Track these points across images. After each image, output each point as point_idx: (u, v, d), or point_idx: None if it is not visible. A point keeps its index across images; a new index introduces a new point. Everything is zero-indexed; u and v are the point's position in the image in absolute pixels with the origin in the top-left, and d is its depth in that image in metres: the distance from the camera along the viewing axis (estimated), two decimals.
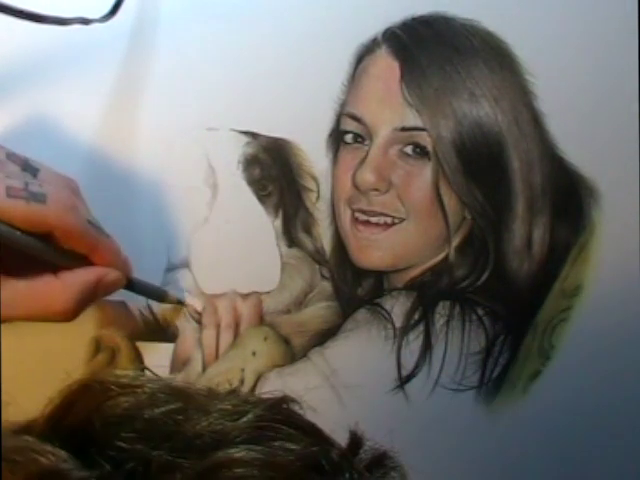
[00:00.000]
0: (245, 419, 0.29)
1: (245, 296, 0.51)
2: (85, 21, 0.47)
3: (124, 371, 0.33)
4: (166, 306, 0.51)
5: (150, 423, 0.29)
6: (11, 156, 0.42)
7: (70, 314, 0.42)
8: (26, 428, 0.29)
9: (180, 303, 0.50)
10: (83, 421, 0.29)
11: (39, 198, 0.40)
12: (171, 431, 0.28)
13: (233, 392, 0.34)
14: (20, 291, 0.41)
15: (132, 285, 0.47)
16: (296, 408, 0.33)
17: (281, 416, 0.31)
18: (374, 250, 0.51)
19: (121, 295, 0.47)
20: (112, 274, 0.44)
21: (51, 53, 0.51)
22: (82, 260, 0.43)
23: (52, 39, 0.50)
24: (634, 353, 0.51)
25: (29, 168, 0.43)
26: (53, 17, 0.45)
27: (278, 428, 0.30)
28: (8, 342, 0.48)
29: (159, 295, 0.49)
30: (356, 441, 0.34)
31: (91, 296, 0.43)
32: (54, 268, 0.42)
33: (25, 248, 0.41)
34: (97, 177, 0.51)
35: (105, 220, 0.48)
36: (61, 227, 0.41)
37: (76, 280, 0.42)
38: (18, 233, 0.40)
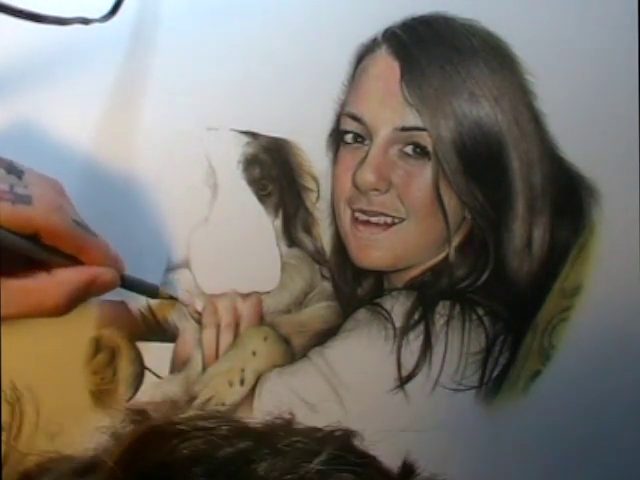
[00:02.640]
0: (318, 460, 0.29)
1: (245, 296, 0.51)
2: (85, 21, 0.47)
3: (195, 412, 0.33)
4: (169, 307, 0.51)
5: (223, 463, 0.28)
6: None
7: (62, 310, 0.43)
8: (91, 467, 0.29)
9: (172, 299, 0.50)
10: (156, 464, 0.28)
11: (24, 200, 0.41)
12: (245, 471, 0.28)
13: (288, 424, 0.34)
14: (13, 289, 0.41)
15: (124, 282, 0.47)
16: (356, 440, 0.33)
17: (351, 454, 0.31)
18: (374, 250, 0.51)
19: (120, 295, 0.47)
20: (108, 274, 0.45)
21: (51, 53, 0.51)
22: (71, 260, 0.43)
23: (52, 39, 0.50)
24: (634, 353, 0.51)
25: (14, 170, 0.43)
26: (53, 17, 0.45)
27: (350, 468, 0.30)
28: (8, 343, 0.48)
29: (151, 291, 0.49)
30: (408, 470, 0.34)
31: (85, 294, 0.44)
32: (48, 267, 0.43)
33: (15, 248, 0.41)
34: (97, 177, 0.51)
35: (105, 220, 0.48)
36: (47, 228, 0.41)
37: (69, 278, 0.43)
38: (6, 233, 0.40)
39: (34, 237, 0.41)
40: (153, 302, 0.50)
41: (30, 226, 0.41)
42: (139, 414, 0.33)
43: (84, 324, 0.49)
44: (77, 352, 0.50)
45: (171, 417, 0.31)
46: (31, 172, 0.44)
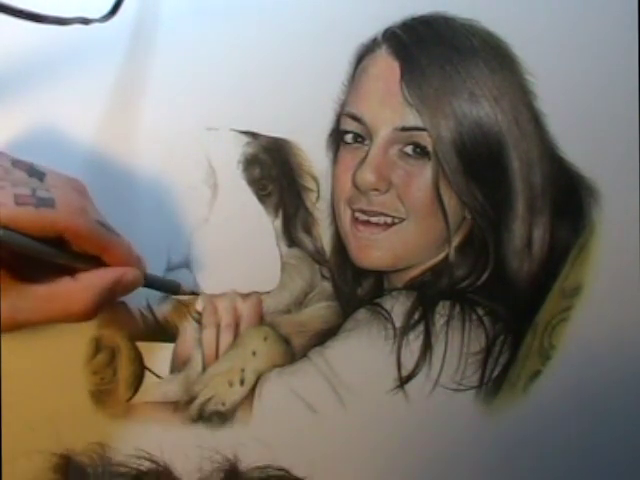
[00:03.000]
0: None
1: (245, 296, 0.51)
2: (85, 21, 0.47)
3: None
4: (169, 307, 0.51)
5: None
6: (16, 163, 0.43)
7: (90, 314, 0.43)
8: None
9: (194, 294, 0.50)
10: None
11: (48, 203, 0.41)
12: None
13: None
14: (40, 296, 0.41)
15: (146, 281, 0.47)
16: None
17: None
18: (374, 250, 0.51)
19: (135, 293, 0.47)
20: (131, 273, 0.45)
21: (51, 53, 0.51)
22: (95, 261, 0.44)
23: (52, 39, 0.50)
24: (634, 353, 0.51)
25: (35, 173, 0.43)
26: (53, 17, 0.45)
27: None
28: (8, 345, 0.48)
29: (173, 288, 0.49)
30: None
31: (110, 296, 0.44)
32: (71, 271, 0.43)
33: (39, 254, 0.41)
34: (97, 177, 0.51)
35: (105, 220, 0.48)
36: (71, 230, 0.41)
37: (94, 281, 0.43)
38: (31, 241, 0.40)
39: (58, 240, 0.41)
40: (161, 306, 0.50)
41: (54, 229, 0.41)
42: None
43: (84, 324, 0.49)
44: (77, 353, 0.50)
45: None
46: (52, 174, 0.44)
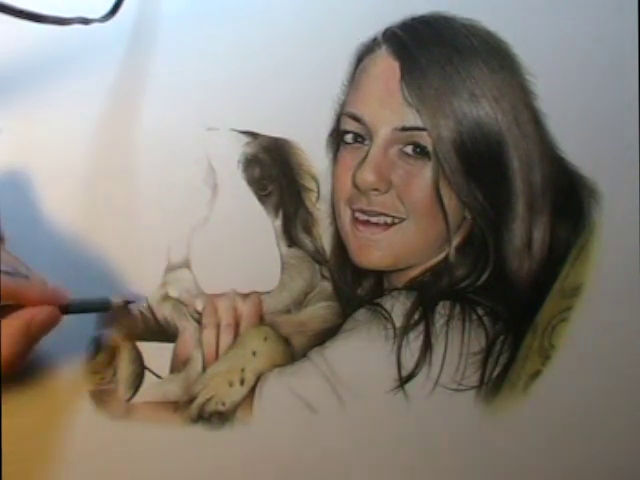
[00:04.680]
0: None
1: (245, 296, 0.51)
2: (85, 21, 0.47)
3: None
4: (169, 307, 0.51)
5: None
6: None
7: (14, 364, 0.43)
8: None
9: (127, 302, 0.50)
10: None
11: None
12: None
13: None
14: None
15: (70, 309, 0.46)
16: None
17: None
18: (374, 250, 0.51)
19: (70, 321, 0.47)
20: (42, 312, 0.44)
21: (51, 53, 0.51)
22: (13, 308, 0.44)
23: (52, 39, 0.50)
24: (634, 353, 0.51)
25: None
26: (53, 17, 0.45)
27: None
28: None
29: (103, 306, 0.49)
30: None
31: (28, 340, 0.44)
32: None
33: None
34: (97, 177, 0.51)
35: (105, 220, 0.48)
36: None
37: (7, 330, 0.43)
38: None
39: None
40: (167, 306, 0.50)
41: None
42: None
43: (84, 325, 0.50)
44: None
45: None
46: None
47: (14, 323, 0.43)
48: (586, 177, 0.52)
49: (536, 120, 0.51)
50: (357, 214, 0.51)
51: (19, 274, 0.45)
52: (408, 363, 0.51)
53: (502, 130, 0.50)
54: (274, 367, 0.51)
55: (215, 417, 0.50)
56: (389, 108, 0.51)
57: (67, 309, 0.46)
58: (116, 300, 0.49)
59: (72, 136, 0.51)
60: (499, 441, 0.50)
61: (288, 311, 0.51)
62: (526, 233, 0.51)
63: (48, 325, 0.45)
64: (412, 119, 0.50)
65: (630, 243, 0.51)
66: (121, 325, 0.50)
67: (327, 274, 0.52)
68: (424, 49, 0.51)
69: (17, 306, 0.44)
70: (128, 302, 0.50)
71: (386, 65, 0.51)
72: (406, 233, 0.51)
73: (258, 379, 0.50)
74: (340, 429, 0.50)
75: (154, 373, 0.50)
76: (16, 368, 0.43)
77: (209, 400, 0.50)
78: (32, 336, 0.44)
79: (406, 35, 0.51)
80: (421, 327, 0.51)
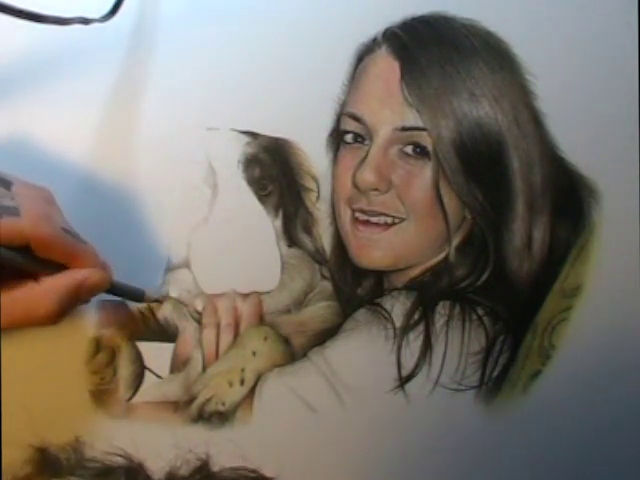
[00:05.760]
0: None
1: (245, 296, 0.51)
2: (85, 21, 0.47)
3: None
4: (169, 307, 0.51)
5: None
6: None
7: (54, 318, 0.42)
8: None
9: (158, 301, 0.50)
10: None
11: (12, 211, 0.41)
12: None
13: None
14: (2, 301, 0.41)
15: (112, 288, 0.47)
16: None
17: None
18: (374, 250, 0.51)
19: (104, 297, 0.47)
20: (95, 275, 0.44)
21: (51, 53, 0.51)
22: (62, 268, 0.43)
23: (52, 39, 0.50)
24: (634, 353, 0.51)
25: (1, 182, 0.43)
26: (53, 17, 0.45)
27: None
28: (7, 347, 0.48)
29: (137, 296, 0.49)
30: None
31: (74, 299, 0.43)
32: (38, 277, 0.43)
33: (5, 261, 0.41)
34: (97, 177, 0.51)
35: (105, 220, 0.48)
36: (37, 238, 0.41)
37: (57, 284, 0.43)
38: None
39: (24, 248, 0.41)
40: (167, 306, 0.50)
41: (19, 238, 0.41)
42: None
43: (84, 324, 0.50)
44: (77, 354, 0.50)
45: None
46: (19, 182, 0.44)
47: (69, 278, 0.43)
48: (586, 177, 0.52)
49: (536, 120, 0.51)
50: (357, 214, 0.51)
51: (79, 237, 0.44)
52: (408, 363, 0.51)
53: (502, 130, 0.50)
54: (274, 367, 0.51)
55: (215, 417, 0.50)
56: (389, 108, 0.51)
57: (110, 288, 0.46)
58: (149, 294, 0.49)
59: (72, 136, 0.51)
60: (499, 441, 0.50)
61: (288, 311, 0.51)
62: (526, 233, 0.51)
63: (97, 290, 0.45)
64: (412, 119, 0.50)
65: (630, 243, 0.51)
66: (121, 325, 0.50)
67: (327, 274, 0.52)
68: (424, 49, 0.51)
69: (61, 266, 0.43)
70: (157, 300, 0.50)
71: (386, 65, 0.51)
72: (406, 233, 0.51)
73: (258, 379, 0.50)
74: (340, 429, 0.50)
75: (154, 373, 0.50)
76: (54, 323, 0.43)
77: (209, 400, 0.50)
78: (79, 297, 0.44)
79: (406, 35, 0.51)
80: (421, 327, 0.51)
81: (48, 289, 0.42)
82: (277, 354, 0.51)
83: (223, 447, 0.49)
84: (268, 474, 0.49)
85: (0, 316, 0.41)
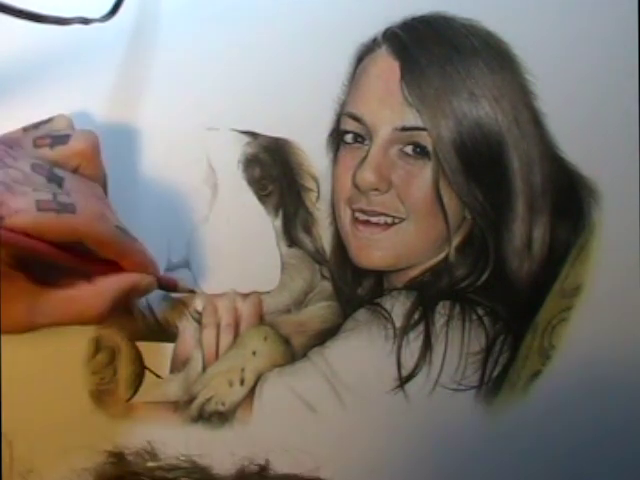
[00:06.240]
0: None
1: (245, 296, 0.51)
2: (85, 21, 0.47)
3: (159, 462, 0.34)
4: (168, 306, 0.51)
5: None
6: (36, 167, 0.43)
7: (104, 318, 0.43)
8: None
9: (192, 292, 0.50)
10: None
11: (69, 208, 0.41)
12: None
13: (263, 471, 0.34)
14: (57, 300, 0.42)
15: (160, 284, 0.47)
16: None
17: None
18: (374, 250, 0.51)
19: None
20: (146, 280, 0.45)
21: (51, 53, 0.51)
22: (113, 266, 0.44)
23: (52, 39, 0.50)
24: (634, 353, 0.51)
25: (54, 178, 0.43)
26: (53, 17, 0.45)
27: None
28: (8, 346, 0.48)
29: (170, 285, 0.49)
30: None
31: (125, 301, 0.44)
32: (89, 275, 0.43)
33: (59, 260, 0.41)
34: None
35: None
36: (91, 235, 0.42)
37: (110, 286, 0.43)
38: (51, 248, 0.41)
39: (78, 244, 0.42)
40: (160, 306, 0.50)
41: (75, 235, 0.41)
42: (115, 457, 0.33)
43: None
44: (77, 353, 0.50)
45: (134, 468, 0.31)
46: (71, 178, 0.44)
47: (123, 281, 0.44)
48: (586, 177, 0.51)
49: (536, 120, 0.51)
50: (357, 214, 0.51)
51: (130, 235, 0.45)
52: (408, 363, 0.51)
53: (502, 130, 0.50)
54: (274, 367, 0.51)
55: (215, 417, 0.50)
56: (389, 108, 0.51)
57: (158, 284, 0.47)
58: (182, 284, 0.50)
59: None
60: (499, 441, 0.50)
61: (288, 311, 0.51)
62: (526, 233, 0.51)
63: (145, 293, 0.46)
64: (412, 119, 0.50)
65: (630, 243, 0.51)
66: (121, 325, 0.50)
67: (327, 274, 0.52)
68: (424, 49, 0.51)
69: (112, 263, 0.44)
70: (192, 290, 0.50)
71: (386, 65, 0.51)
72: (406, 233, 0.51)
73: (258, 379, 0.50)
74: (340, 429, 0.50)
75: (154, 373, 0.50)
76: (102, 323, 0.44)
77: (209, 400, 0.50)
78: (129, 300, 0.45)
79: (406, 35, 0.51)
80: (421, 327, 0.51)
81: (102, 291, 0.43)
82: (277, 354, 0.51)
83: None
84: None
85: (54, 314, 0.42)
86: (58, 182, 0.43)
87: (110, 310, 0.43)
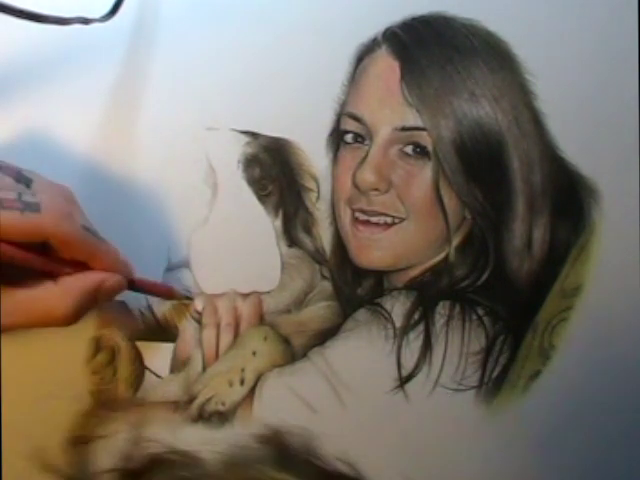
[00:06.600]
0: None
1: (245, 296, 0.51)
2: (85, 21, 0.47)
3: None
4: (168, 306, 0.51)
5: None
6: (3, 169, 0.43)
7: (70, 319, 0.42)
8: None
9: (188, 299, 0.50)
10: None
11: (33, 207, 0.41)
12: None
13: None
14: (20, 300, 0.41)
15: (136, 285, 0.47)
16: None
17: None
18: (374, 250, 0.51)
19: (121, 295, 0.47)
20: (112, 279, 0.44)
21: (51, 53, 0.51)
22: (82, 267, 0.43)
23: (52, 39, 0.50)
24: (634, 353, 0.51)
25: (22, 179, 0.43)
26: (53, 17, 0.45)
27: None
28: (9, 345, 0.48)
29: (165, 293, 0.49)
30: None
31: (91, 301, 0.43)
32: (55, 276, 0.43)
33: (25, 262, 0.41)
34: (97, 177, 0.51)
35: (105, 220, 0.48)
36: (57, 235, 0.41)
37: (75, 285, 0.43)
38: (11, 247, 0.40)
39: (43, 245, 0.41)
40: (160, 306, 0.50)
41: (40, 234, 0.41)
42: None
43: (84, 324, 0.49)
44: (78, 354, 0.50)
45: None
46: (40, 180, 0.43)
47: (87, 280, 0.43)
48: (586, 177, 0.52)
49: (536, 120, 0.51)
50: (357, 214, 0.51)
51: (99, 236, 0.44)
52: (408, 363, 0.51)
53: (502, 130, 0.50)
54: (274, 367, 0.51)
55: (215, 417, 0.50)
56: (389, 108, 0.51)
57: (132, 285, 0.46)
58: (178, 291, 0.49)
59: (72, 136, 0.51)
60: (499, 441, 0.50)
61: (288, 311, 0.51)
62: (526, 233, 0.51)
63: (113, 294, 0.45)
64: (412, 119, 0.50)
65: (630, 243, 0.51)
66: (121, 325, 0.50)
67: (327, 274, 0.52)
68: (424, 49, 0.51)
69: (80, 265, 0.43)
70: (187, 297, 0.50)
71: (386, 65, 0.51)
72: (406, 233, 0.51)
73: (258, 379, 0.50)
74: (340, 429, 0.50)
75: (154, 373, 0.50)
76: (70, 324, 0.42)
77: (209, 400, 0.50)
78: (96, 300, 0.44)
79: (406, 35, 0.51)
80: (421, 327, 0.51)
81: (66, 290, 0.42)
82: (277, 354, 0.51)
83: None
84: None
85: (15, 315, 0.41)
86: (26, 183, 0.42)
87: (76, 311, 0.42)
